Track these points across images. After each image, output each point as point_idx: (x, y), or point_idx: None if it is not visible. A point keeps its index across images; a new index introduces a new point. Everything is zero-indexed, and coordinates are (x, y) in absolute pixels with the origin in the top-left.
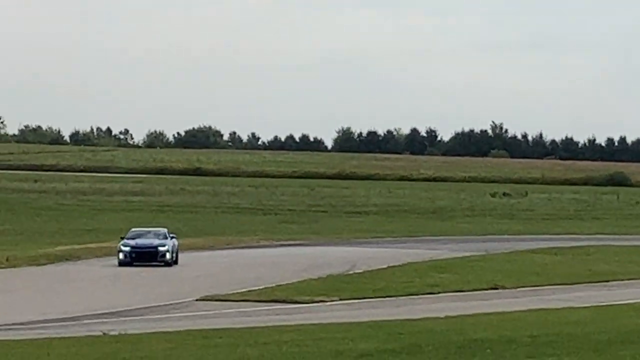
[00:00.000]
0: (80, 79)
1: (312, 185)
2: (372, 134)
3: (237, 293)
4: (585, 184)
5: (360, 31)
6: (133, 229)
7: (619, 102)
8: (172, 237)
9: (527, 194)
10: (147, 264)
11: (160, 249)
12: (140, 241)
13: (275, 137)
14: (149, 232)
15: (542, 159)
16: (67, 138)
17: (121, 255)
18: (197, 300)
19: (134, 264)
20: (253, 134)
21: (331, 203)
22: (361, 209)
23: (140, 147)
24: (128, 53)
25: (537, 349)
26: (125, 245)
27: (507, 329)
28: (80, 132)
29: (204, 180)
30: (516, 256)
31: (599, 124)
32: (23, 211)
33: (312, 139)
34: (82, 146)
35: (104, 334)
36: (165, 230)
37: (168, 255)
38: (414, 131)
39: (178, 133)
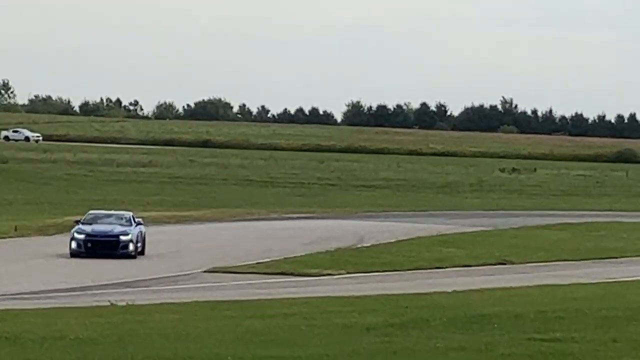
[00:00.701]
0: (91, 50)
1: (321, 158)
2: (382, 108)
3: (245, 265)
4: (594, 160)
5: (372, 3)
6: (91, 211)
7: (629, 78)
8: (138, 224)
9: (536, 169)
10: (105, 255)
11: (122, 238)
12: (97, 228)
13: (285, 110)
14: (110, 215)
15: (551, 134)
16: (76, 108)
17: (73, 244)
18: (204, 271)
19: (90, 254)
20: (263, 107)
21: (340, 177)
22: (370, 183)
23: (149, 118)
24: (137, 23)
25: (545, 325)
26: (79, 232)
27: (515, 304)
28: (90, 102)
29: (213, 152)
30: (524, 232)
31: (609, 101)
32: (32, 181)
33: (321, 112)
34: (91, 117)
35: (112, 304)
36: (131, 214)
37: (131, 246)
38: (424, 105)
39: (188, 105)
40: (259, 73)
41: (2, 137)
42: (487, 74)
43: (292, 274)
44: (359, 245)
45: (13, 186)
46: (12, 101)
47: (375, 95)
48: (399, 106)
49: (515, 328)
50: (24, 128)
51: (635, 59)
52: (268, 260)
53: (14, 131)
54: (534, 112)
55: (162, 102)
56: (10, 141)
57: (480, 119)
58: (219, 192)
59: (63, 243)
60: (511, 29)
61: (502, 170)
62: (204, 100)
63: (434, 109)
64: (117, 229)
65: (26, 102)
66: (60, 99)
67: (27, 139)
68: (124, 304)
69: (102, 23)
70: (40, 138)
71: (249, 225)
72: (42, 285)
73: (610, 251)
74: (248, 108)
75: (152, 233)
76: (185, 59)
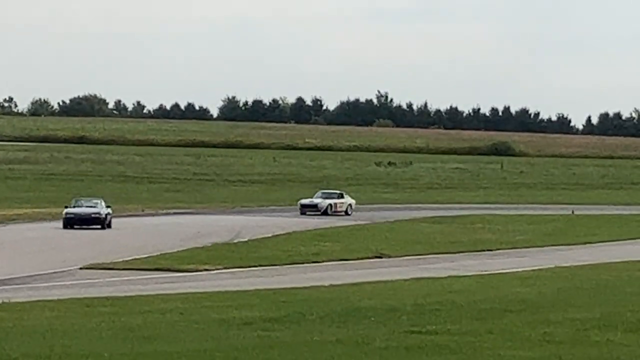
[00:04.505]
0: None
1: (197, 153)
2: (258, 103)
3: (121, 261)
4: (469, 153)
5: None
6: None
7: (503, 72)
8: None
9: (411, 163)
10: None
11: None
12: None
13: (161, 106)
14: None
15: (426, 128)
16: None
17: None
18: (80, 268)
19: None
20: (138, 102)
21: (216, 172)
22: (246, 178)
23: (24, 114)
24: (12, 21)
25: (421, 317)
26: None
27: (391, 298)
28: None
29: (89, 148)
30: (400, 225)
31: (483, 94)
32: None
33: (197, 108)
34: None
35: None
36: None
37: None
38: (300, 100)
39: (63, 101)
40: (134, 69)
41: None
42: (362, 68)
43: (168, 270)
44: (236, 241)
45: None
46: None
47: (251, 90)
48: (274, 101)
49: (391, 321)
50: None
51: (509, 53)
52: (144, 256)
53: None
54: (409, 105)
55: (37, 98)
56: None
57: (355, 113)
58: (95, 189)
59: None
60: (386, 23)
61: (378, 164)
62: (79, 96)
63: (310, 104)
64: None
65: None
66: None
67: None
68: None
69: None
70: None
71: (124, 221)
72: None
73: (485, 243)
74: (124, 104)
75: (27, 230)
76: (59, 54)
